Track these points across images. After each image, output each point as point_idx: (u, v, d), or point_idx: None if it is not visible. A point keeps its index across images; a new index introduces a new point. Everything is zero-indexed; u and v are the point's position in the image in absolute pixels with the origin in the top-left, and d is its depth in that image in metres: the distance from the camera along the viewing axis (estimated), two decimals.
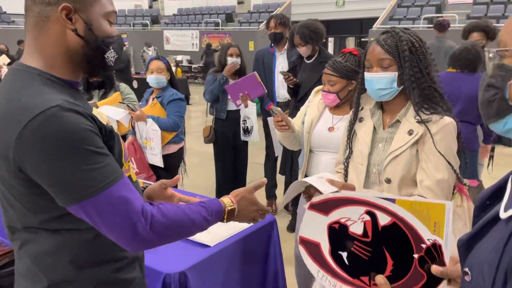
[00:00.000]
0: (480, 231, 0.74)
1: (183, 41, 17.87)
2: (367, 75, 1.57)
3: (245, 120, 3.69)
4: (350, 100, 2.11)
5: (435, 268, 0.92)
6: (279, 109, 2.19)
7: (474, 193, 2.81)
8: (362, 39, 15.63)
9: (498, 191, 0.78)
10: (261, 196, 4.38)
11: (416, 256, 0.94)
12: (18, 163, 0.92)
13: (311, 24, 3.28)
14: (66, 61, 1.02)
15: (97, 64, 1.06)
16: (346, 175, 1.70)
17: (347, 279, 1.01)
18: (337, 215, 1.01)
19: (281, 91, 3.87)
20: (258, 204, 1.24)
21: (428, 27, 11.87)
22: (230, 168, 3.97)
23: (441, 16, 11.86)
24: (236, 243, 1.93)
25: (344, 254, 1.01)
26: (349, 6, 15.00)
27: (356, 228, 0.99)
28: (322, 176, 1.39)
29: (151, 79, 3.21)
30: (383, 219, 0.96)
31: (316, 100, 2.26)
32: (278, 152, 3.79)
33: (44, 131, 0.88)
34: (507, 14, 11.31)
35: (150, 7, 22.12)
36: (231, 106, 3.75)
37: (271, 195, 4.20)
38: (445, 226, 0.93)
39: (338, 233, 1.01)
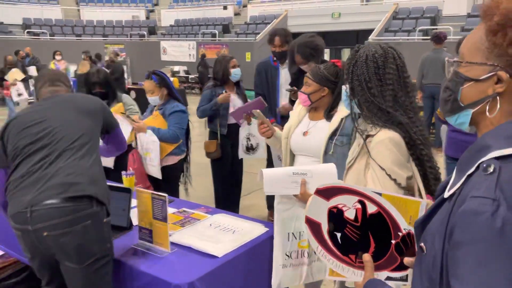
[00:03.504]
0: (431, 213, 0.89)
1: (180, 52, 17.95)
2: None
3: (249, 138, 3.68)
4: (323, 106, 2.23)
5: (406, 259, 1.10)
6: (258, 111, 2.39)
7: None
8: None
9: None
10: (262, 206, 4.39)
11: (393, 241, 1.12)
12: None
13: (310, 42, 3.25)
14: None
15: None
16: None
17: (338, 255, 1.19)
18: (336, 201, 1.17)
19: (280, 105, 3.90)
20: None
21: (423, 39, 12.03)
22: (228, 179, 3.98)
23: (436, 28, 12.03)
24: (244, 253, 1.94)
25: (339, 235, 1.18)
26: (345, 18, 15.16)
27: (350, 214, 1.16)
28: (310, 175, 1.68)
29: (149, 99, 3.29)
30: (371, 208, 1.13)
31: (299, 107, 2.36)
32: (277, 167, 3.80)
33: None
34: None
35: (147, 18, 22.22)
36: (230, 120, 3.75)
37: (272, 205, 4.20)
38: None
39: (335, 216, 1.18)
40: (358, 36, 14.85)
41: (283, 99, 3.84)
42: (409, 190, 1.53)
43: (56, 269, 1.87)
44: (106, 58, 11.44)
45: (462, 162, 0.84)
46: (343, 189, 1.16)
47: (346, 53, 16.61)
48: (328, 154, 2.14)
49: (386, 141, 1.50)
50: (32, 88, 8.44)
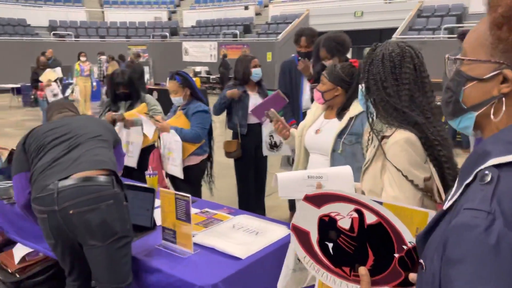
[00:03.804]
0: (433, 226, 0.80)
1: (201, 53, 18.08)
2: None
3: (272, 135, 3.64)
4: (337, 105, 2.27)
5: (411, 276, 0.98)
6: (272, 110, 2.43)
7: None
8: None
9: None
10: (284, 207, 4.36)
11: (396, 255, 1.01)
12: None
13: (337, 36, 3.20)
14: None
15: None
16: None
17: (330, 267, 1.10)
18: (328, 209, 1.08)
19: (304, 103, 3.85)
20: None
21: (448, 37, 11.77)
22: (251, 180, 3.95)
23: (462, 26, 11.76)
24: (267, 255, 1.92)
25: (330, 245, 1.09)
26: (367, 16, 14.98)
27: (344, 223, 1.06)
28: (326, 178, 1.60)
29: (172, 99, 3.30)
30: (370, 218, 1.03)
31: (315, 106, 2.41)
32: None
33: None
34: None
35: (169, 19, 22.46)
36: (251, 120, 3.72)
37: (294, 206, 4.16)
38: None
39: (327, 225, 1.09)
40: (381, 35, 14.64)
41: (306, 96, 3.79)
42: (427, 191, 1.48)
43: (79, 256, 1.95)
44: (129, 59, 11.59)
45: (463, 170, 0.76)
46: (337, 197, 1.07)
47: None
48: (337, 152, 2.17)
49: (401, 142, 1.45)
50: (60, 87, 8.58)
